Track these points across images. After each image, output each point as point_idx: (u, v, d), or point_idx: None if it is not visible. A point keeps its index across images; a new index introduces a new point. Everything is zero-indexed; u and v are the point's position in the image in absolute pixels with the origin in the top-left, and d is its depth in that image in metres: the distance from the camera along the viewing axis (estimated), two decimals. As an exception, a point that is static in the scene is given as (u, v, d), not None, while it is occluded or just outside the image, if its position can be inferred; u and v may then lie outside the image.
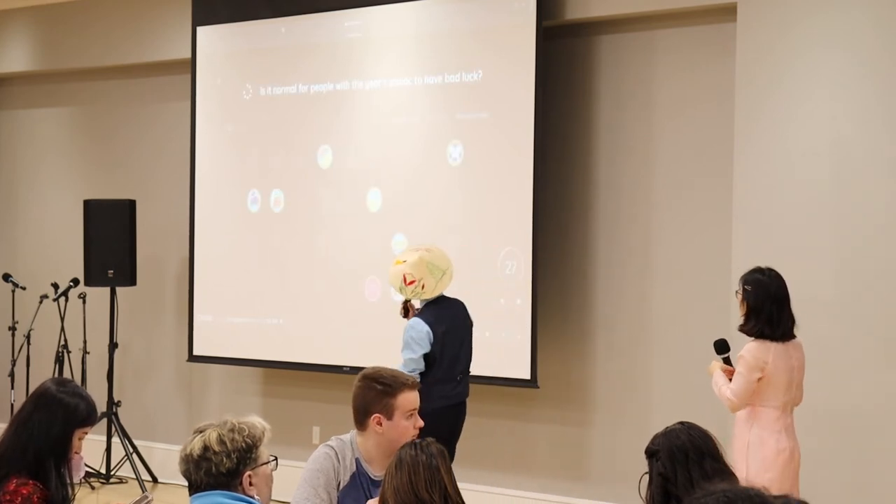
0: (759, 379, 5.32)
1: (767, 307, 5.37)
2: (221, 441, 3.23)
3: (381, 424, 4.17)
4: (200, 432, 3.28)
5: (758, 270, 5.46)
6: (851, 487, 6.20)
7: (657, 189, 7.15)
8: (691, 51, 7.04)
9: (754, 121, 6.55)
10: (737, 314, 6.50)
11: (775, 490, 5.28)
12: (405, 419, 4.19)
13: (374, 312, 7.79)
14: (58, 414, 3.75)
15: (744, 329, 5.42)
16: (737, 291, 5.46)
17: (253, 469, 3.26)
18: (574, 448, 7.38)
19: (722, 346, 5.61)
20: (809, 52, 6.40)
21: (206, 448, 3.22)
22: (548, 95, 7.29)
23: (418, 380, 5.07)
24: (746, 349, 5.37)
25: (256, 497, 3.25)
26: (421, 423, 4.22)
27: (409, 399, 4.21)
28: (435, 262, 6.21)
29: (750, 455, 5.34)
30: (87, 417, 3.81)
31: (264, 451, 3.32)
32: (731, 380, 5.46)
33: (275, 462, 3.37)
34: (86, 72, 9.59)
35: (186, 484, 3.30)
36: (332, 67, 8.02)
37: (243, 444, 3.24)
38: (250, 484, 3.25)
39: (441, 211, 7.54)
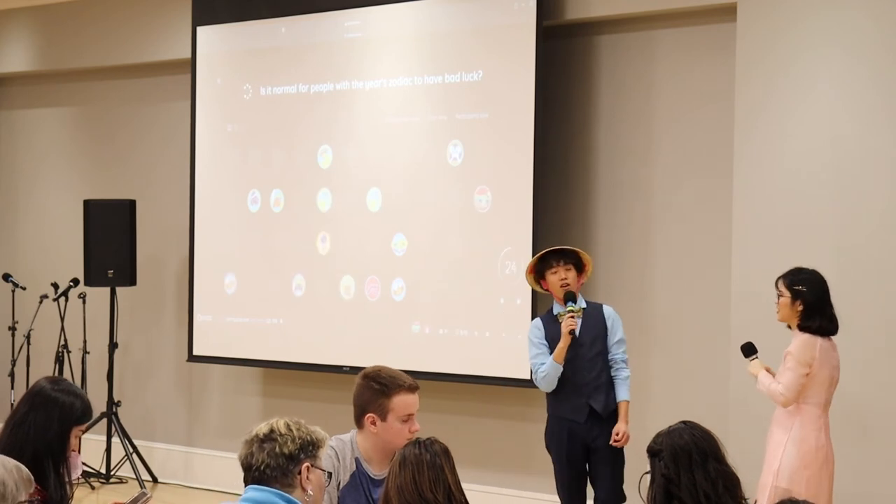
0: (806, 375, 5.39)
1: (826, 303, 5.48)
2: (288, 427, 3.35)
3: (374, 424, 4.15)
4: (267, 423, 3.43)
5: (802, 270, 5.54)
6: (853, 486, 6.19)
7: (657, 189, 7.15)
8: (691, 51, 7.04)
9: (754, 121, 6.54)
10: (738, 315, 6.52)
11: (813, 488, 5.32)
12: (399, 422, 4.13)
13: (374, 312, 7.78)
14: (53, 413, 3.74)
15: (807, 327, 5.45)
16: (780, 295, 5.48)
17: (313, 463, 3.33)
18: (574, 448, 7.37)
19: (749, 349, 5.66)
20: (809, 52, 6.39)
21: (272, 430, 3.34)
22: (548, 95, 7.29)
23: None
24: (794, 345, 5.45)
25: (311, 492, 3.31)
26: (417, 427, 4.14)
27: (406, 402, 4.13)
28: None
29: (787, 451, 5.40)
30: (82, 415, 3.80)
31: (323, 458, 3.41)
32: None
33: (328, 476, 3.45)
34: (86, 72, 9.59)
35: (230, 484, 3.32)
36: (332, 67, 8.02)
37: (308, 437, 3.35)
38: (307, 478, 3.31)
39: (441, 211, 7.54)
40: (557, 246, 6.22)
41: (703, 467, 3.40)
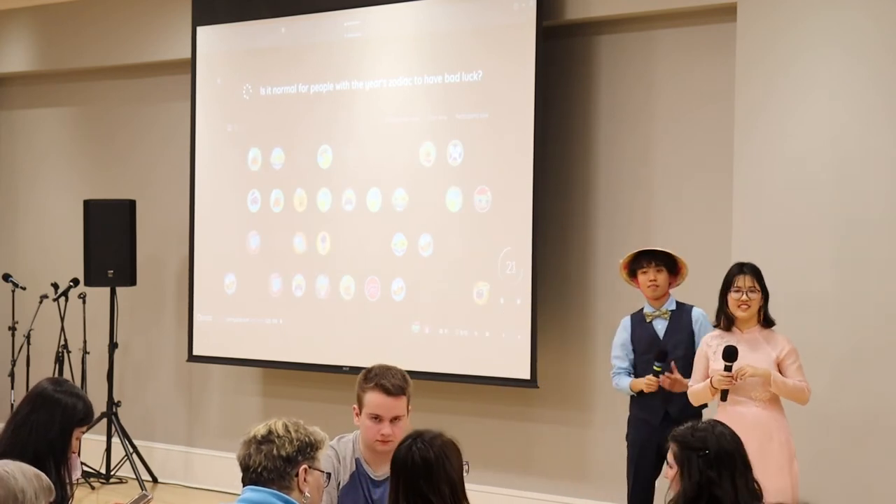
0: None
1: None
2: (286, 428, 3.35)
3: (357, 416, 4.21)
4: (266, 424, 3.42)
5: (752, 266, 5.57)
6: (850, 487, 6.20)
7: (657, 189, 7.15)
8: (691, 51, 7.04)
9: (754, 121, 6.54)
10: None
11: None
12: (370, 420, 4.14)
13: (374, 312, 7.78)
14: (56, 414, 3.74)
15: (768, 322, 5.52)
16: (753, 290, 5.50)
17: (311, 465, 3.32)
18: (574, 448, 7.38)
19: (733, 354, 5.52)
20: (809, 52, 6.39)
21: (270, 431, 3.34)
22: (548, 95, 7.29)
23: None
24: (787, 343, 5.50)
25: (308, 494, 3.31)
26: (389, 431, 4.06)
27: (375, 401, 4.11)
28: None
29: (791, 449, 5.43)
30: (84, 417, 3.80)
31: (322, 460, 3.41)
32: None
33: (327, 477, 3.45)
34: (86, 72, 9.58)
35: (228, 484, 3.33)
36: (332, 67, 8.02)
37: (306, 438, 3.35)
38: (305, 480, 3.31)
39: (441, 211, 7.54)
40: (650, 247, 6.14)
41: (744, 476, 3.34)
